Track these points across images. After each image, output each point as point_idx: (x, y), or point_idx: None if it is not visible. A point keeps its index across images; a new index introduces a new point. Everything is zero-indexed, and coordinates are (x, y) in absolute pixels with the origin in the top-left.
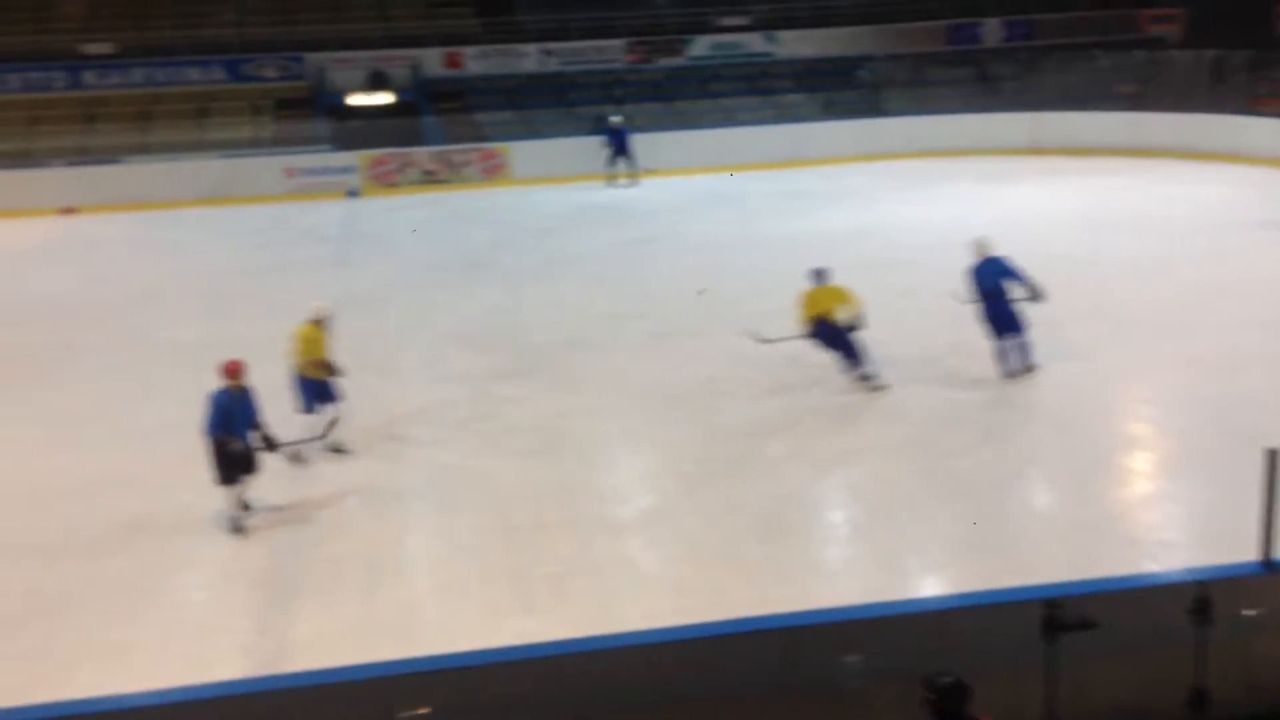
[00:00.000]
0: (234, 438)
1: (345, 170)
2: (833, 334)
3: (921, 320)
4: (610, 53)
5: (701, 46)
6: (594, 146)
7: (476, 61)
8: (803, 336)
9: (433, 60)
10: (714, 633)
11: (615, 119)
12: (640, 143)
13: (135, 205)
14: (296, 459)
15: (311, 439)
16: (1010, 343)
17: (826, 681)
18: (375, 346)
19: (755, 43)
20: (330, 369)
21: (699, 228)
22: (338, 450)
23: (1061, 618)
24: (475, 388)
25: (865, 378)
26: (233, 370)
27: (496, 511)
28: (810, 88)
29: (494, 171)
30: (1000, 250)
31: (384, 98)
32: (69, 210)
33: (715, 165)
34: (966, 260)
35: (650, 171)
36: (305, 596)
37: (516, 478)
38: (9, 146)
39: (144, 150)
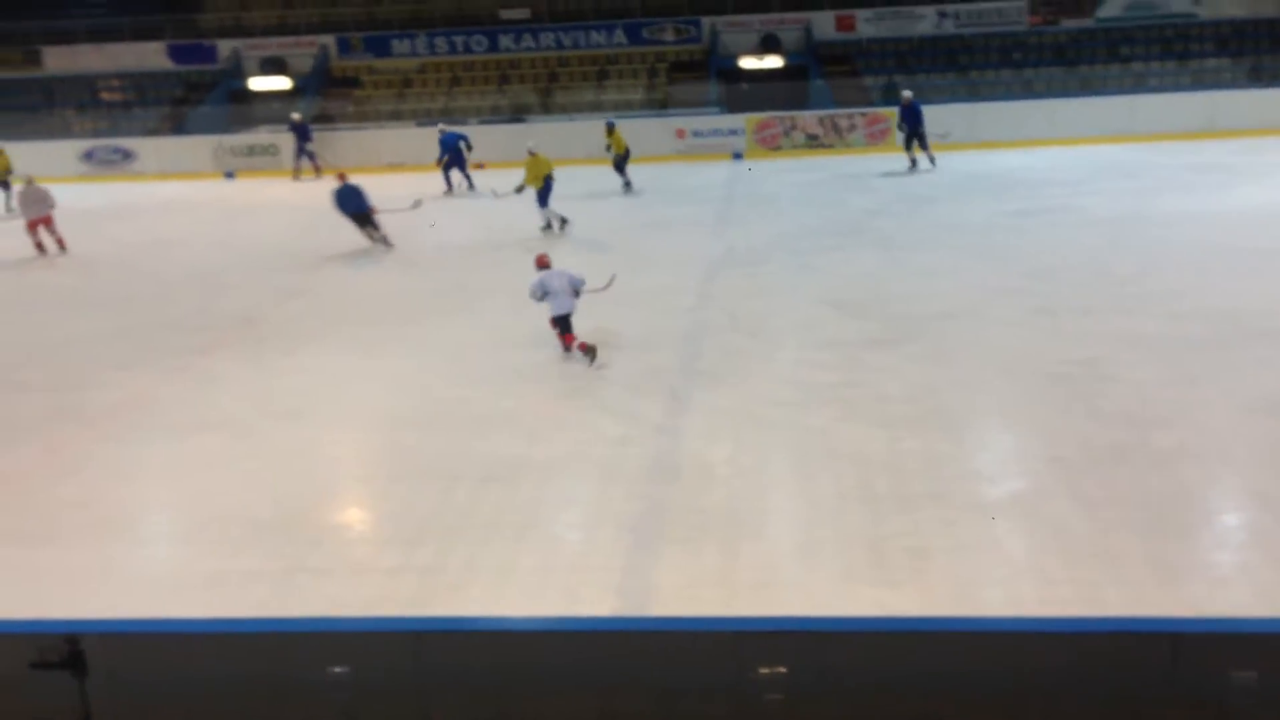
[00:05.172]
0: None
1: (733, 132)
2: (548, 189)
3: None
4: (1011, 14)
5: (1114, 6)
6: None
7: (869, 24)
8: (521, 190)
9: (825, 23)
10: (1085, 629)
11: (906, 94)
12: (1037, 109)
13: None
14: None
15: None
16: None
17: (1211, 697)
18: (748, 306)
19: (1176, 2)
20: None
21: (1095, 200)
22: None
23: None
24: (845, 353)
25: (549, 223)
26: None
27: (860, 478)
28: (1235, 51)
29: (879, 137)
30: None
31: (774, 61)
32: (479, 165)
33: (1120, 135)
34: None
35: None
36: (670, 544)
37: (882, 447)
38: (434, 105)
39: (546, 110)
